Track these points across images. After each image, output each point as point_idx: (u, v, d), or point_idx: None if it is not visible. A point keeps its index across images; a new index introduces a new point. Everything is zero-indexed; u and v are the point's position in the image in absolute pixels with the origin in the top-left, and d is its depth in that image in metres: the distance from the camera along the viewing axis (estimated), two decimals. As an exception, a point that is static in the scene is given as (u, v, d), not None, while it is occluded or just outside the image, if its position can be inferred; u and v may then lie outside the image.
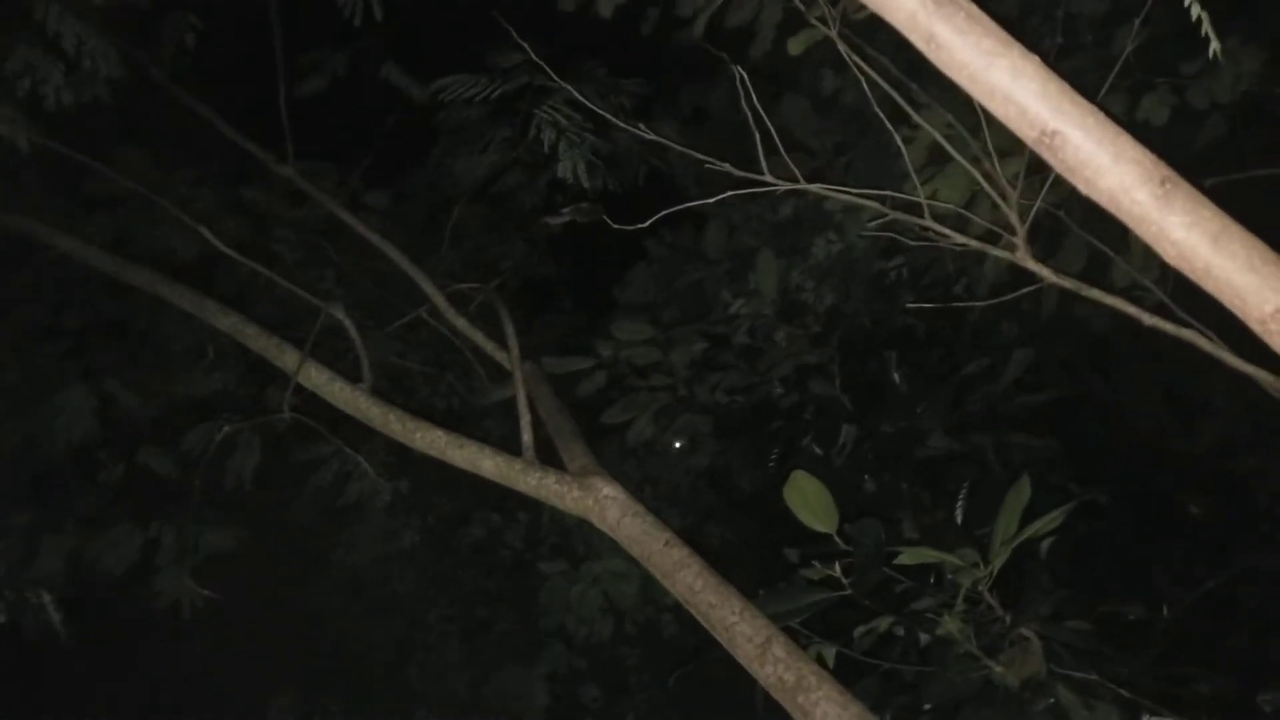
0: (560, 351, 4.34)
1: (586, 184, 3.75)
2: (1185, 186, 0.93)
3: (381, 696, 5.32)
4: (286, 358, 2.79)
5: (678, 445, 4.37)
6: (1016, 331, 3.81)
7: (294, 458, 4.32)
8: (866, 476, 3.84)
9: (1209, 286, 0.92)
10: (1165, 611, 2.95)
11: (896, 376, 3.84)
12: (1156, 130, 2.91)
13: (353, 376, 2.76)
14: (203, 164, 4.09)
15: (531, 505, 5.08)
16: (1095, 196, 0.95)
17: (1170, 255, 0.93)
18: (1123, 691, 2.33)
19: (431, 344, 4.46)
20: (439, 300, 3.44)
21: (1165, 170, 0.93)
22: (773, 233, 4.31)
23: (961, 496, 3.30)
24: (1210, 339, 2.03)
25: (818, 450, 3.92)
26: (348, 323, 2.84)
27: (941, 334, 4.04)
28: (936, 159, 3.09)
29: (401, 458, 4.44)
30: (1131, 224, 0.94)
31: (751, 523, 4.40)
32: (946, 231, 2.33)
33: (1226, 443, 3.60)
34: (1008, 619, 2.38)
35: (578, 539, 5.06)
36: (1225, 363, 2.02)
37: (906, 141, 2.71)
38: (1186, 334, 2.03)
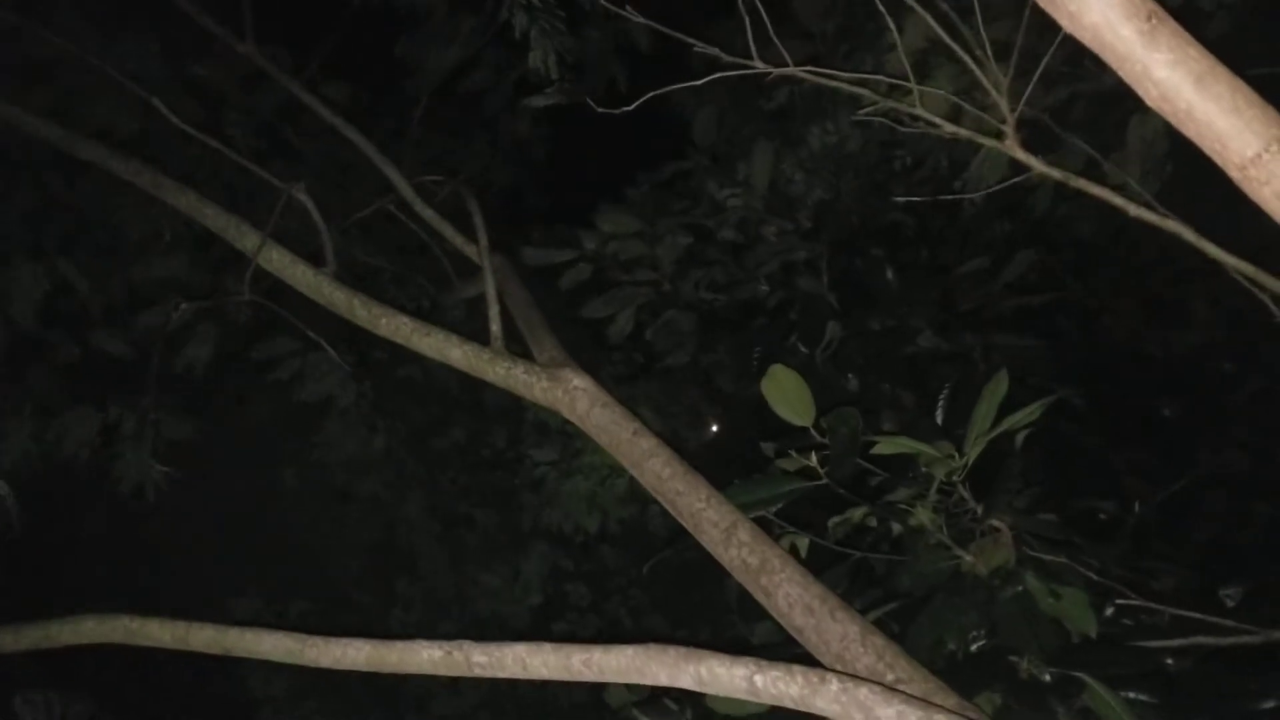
0: (541, 244, 4.26)
1: (555, 75, 3.61)
2: (1172, 24, 0.87)
3: (355, 598, 5.31)
4: (247, 239, 2.69)
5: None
6: (1008, 229, 3.76)
7: (255, 349, 4.25)
8: (850, 375, 3.83)
9: (1190, 131, 0.87)
10: (1135, 508, 2.98)
11: (889, 273, 3.80)
12: None
13: (316, 265, 2.67)
14: (151, 36, 3.90)
15: (510, 409, 5.06)
16: (1079, 34, 0.89)
17: (1152, 96, 0.87)
18: (1091, 574, 2.35)
19: (398, 241, 4.37)
20: (406, 190, 3.33)
21: (1152, 5, 0.87)
22: (765, 122, 4.19)
23: (943, 395, 3.30)
24: (1195, 231, 2.01)
25: (803, 349, 3.89)
26: (310, 205, 2.74)
27: (932, 232, 3.99)
28: (936, 50, 3.01)
29: (367, 356, 4.39)
30: (1114, 63, 0.88)
31: (732, 421, 4.40)
32: (937, 120, 2.27)
33: (1202, 349, 3.60)
34: (979, 510, 2.39)
35: (559, 442, 5.04)
36: (1206, 253, 2.00)
37: (901, 32, 2.62)
38: (1171, 224, 2.02)
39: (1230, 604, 2.60)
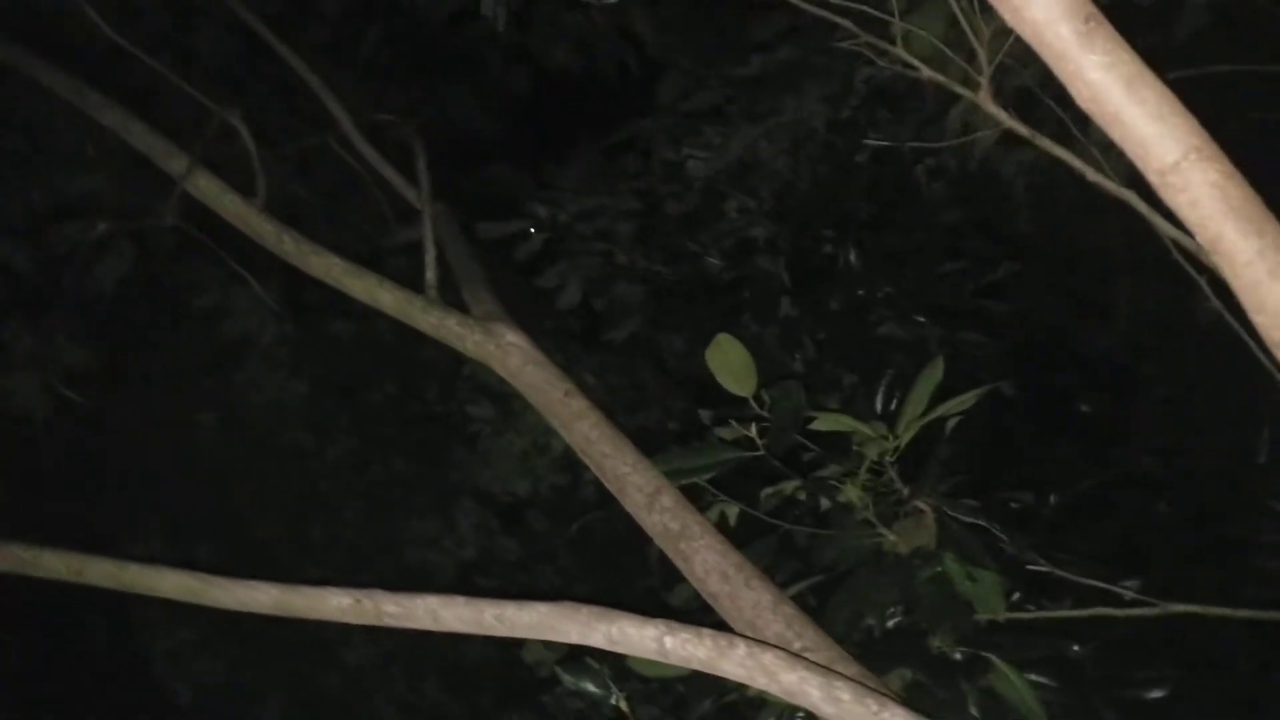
0: (487, 207, 4.20)
1: (501, 26, 3.52)
2: (1108, 27, 0.89)
3: (269, 548, 5.16)
4: (174, 162, 2.59)
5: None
6: (958, 218, 3.81)
7: (174, 273, 4.11)
8: (797, 355, 3.87)
9: (1116, 134, 0.89)
10: (1051, 501, 3.08)
11: (853, 255, 3.83)
12: (1141, 11, 2.86)
13: (246, 196, 2.59)
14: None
15: (448, 364, 4.99)
16: (1020, 28, 0.91)
17: (1084, 96, 0.89)
18: (1005, 549, 2.43)
19: (338, 178, 4.25)
20: (347, 125, 3.25)
21: (1090, 8, 0.89)
22: (735, 90, 4.15)
23: (885, 379, 3.35)
24: (1145, 203, 2.06)
25: (753, 326, 3.92)
26: (244, 131, 2.66)
27: (890, 219, 4.02)
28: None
29: (298, 297, 4.28)
30: (1051, 60, 0.90)
31: (679, 395, 4.42)
32: (916, 63, 2.28)
33: (1124, 349, 3.72)
34: (906, 491, 2.44)
35: (495, 398, 5.00)
36: (1157, 228, 2.06)
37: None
38: (1125, 194, 2.07)
39: (1127, 596, 2.71)
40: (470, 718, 5.13)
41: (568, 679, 2.43)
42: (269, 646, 5.05)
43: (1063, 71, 0.90)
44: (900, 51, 2.30)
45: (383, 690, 5.24)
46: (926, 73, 2.30)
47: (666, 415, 4.55)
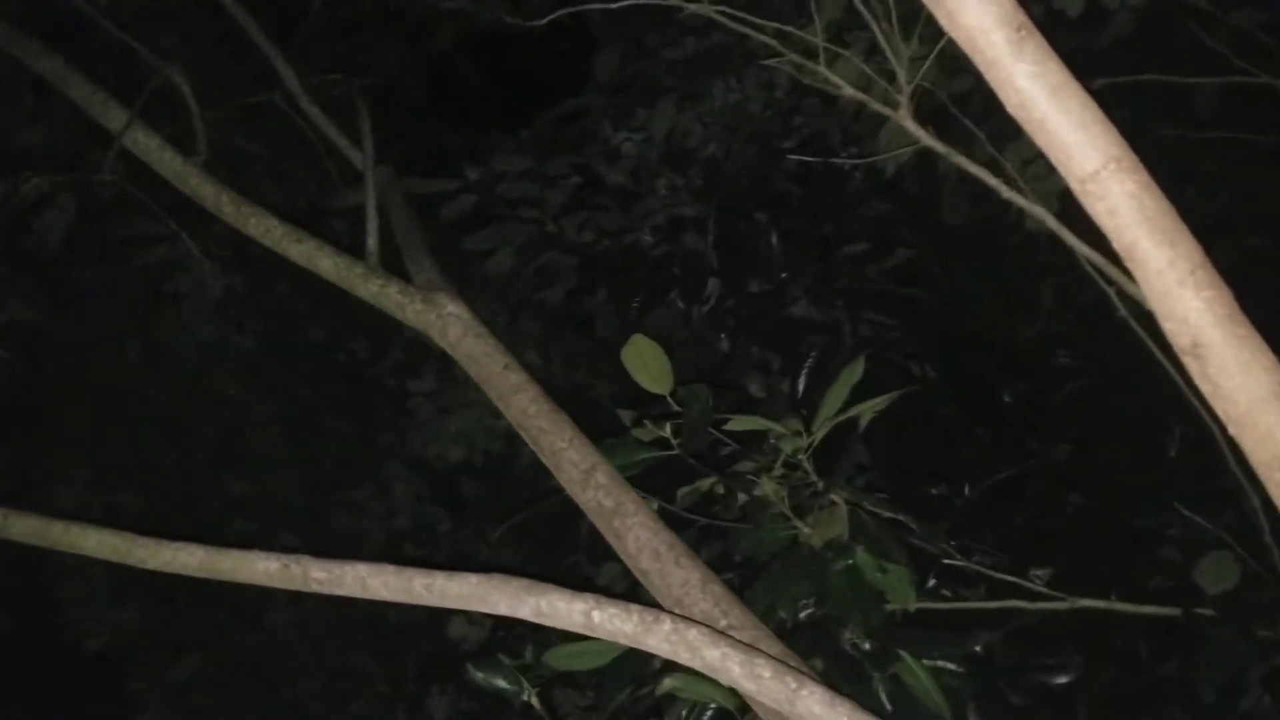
0: (426, 172, 4.16)
1: None
2: (1038, 37, 0.92)
3: (196, 502, 5.05)
4: (112, 117, 2.53)
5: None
6: (885, 210, 3.89)
7: (115, 233, 4.02)
8: (723, 336, 3.90)
9: (1042, 141, 0.93)
10: (966, 491, 3.17)
11: (774, 238, 3.87)
12: (1067, 21, 2.95)
13: (187, 153, 2.54)
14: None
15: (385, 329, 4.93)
16: (954, 33, 0.94)
17: (1012, 103, 0.93)
18: (916, 542, 2.50)
19: (280, 136, 4.17)
20: (292, 82, 3.19)
21: (1022, 17, 0.92)
22: (669, 69, 4.17)
23: (807, 365, 3.41)
24: (1055, 220, 2.14)
25: (681, 305, 3.94)
26: (186, 88, 2.60)
27: (816, 204, 4.08)
28: (850, 21, 3.03)
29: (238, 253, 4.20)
30: (983, 66, 0.93)
31: (604, 367, 4.42)
32: (838, 80, 2.32)
33: (1045, 340, 3.84)
34: (820, 485, 2.49)
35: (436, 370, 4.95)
36: (1065, 241, 2.14)
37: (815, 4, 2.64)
38: (1037, 210, 2.15)
39: (1038, 584, 2.82)
40: (394, 688, 5.11)
41: (479, 676, 2.44)
42: (188, 599, 4.96)
43: (994, 78, 0.93)
44: (824, 70, 2.34)
45: (303, 652, 5.19)
46: (849, 92, 2.35)
47: (596, 390, 4.56)
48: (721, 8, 2.42)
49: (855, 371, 2.43)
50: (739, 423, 2.49)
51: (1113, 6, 3.14)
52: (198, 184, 2.49)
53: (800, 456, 2.45)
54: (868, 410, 2.45)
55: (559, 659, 2.29)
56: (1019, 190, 2.19)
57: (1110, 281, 2.22)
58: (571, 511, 2.27)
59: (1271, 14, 3.34)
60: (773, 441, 2.54)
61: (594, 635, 1.70)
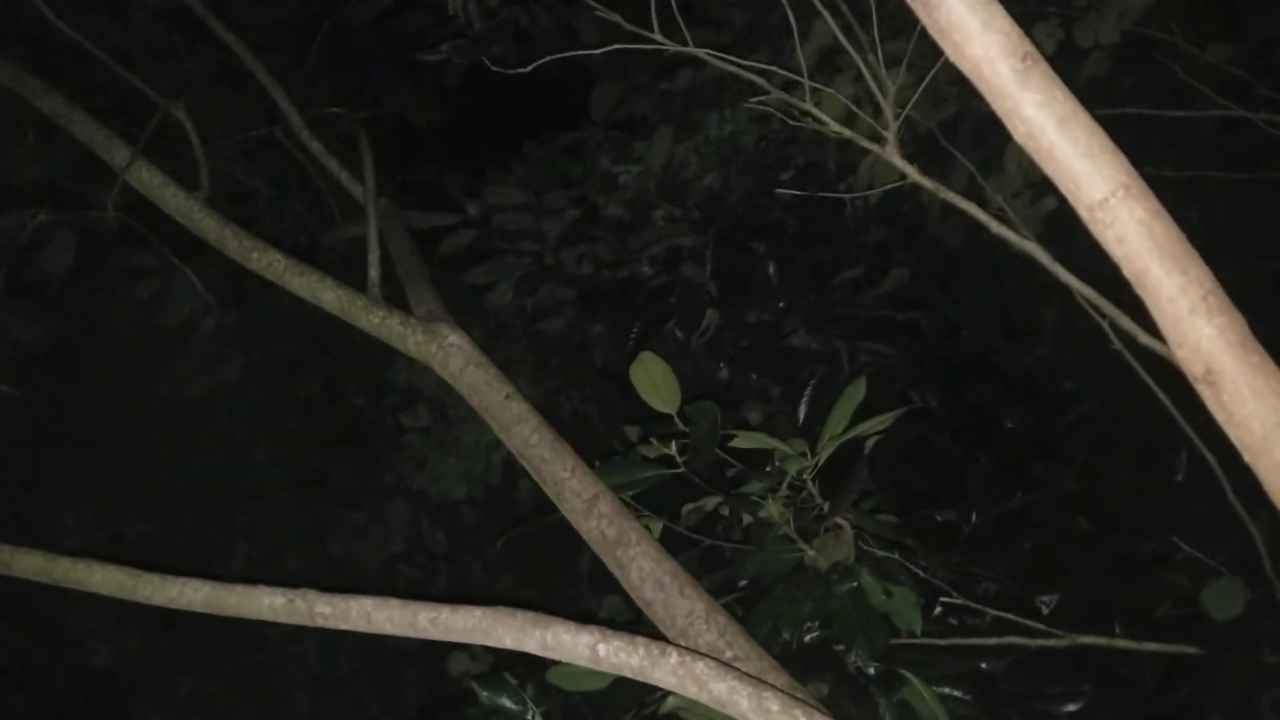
0: (425, 206, 4.19)
1: (478, 24, 3.53)
2: (1044, 66, 0.93)
3: (199, 532, 5.08)
4: (115, 153, 2.54)
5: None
6: (883, 236, 3.90)
7: (115, 258, 4.03)
8: (721, 364, 3.91)
9: (1050, 170, 0.93)
10: (973, 518, 3.16)
11: (771, 268, 3.88)
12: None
13: (190, 188, 2.55)
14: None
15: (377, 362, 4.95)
16: (960, 64, 0.94)
17: (1020, 132, 0.93)
18: (920, 572, 2.49)
19: (281, 170, 4.20)
20: (294, 117, 3.21)
21: (1028, 47, 0.92)
22: (664, 103, 4.22)
23: (807, 393, 3.41)
24: (1047, 254, 2.15)
25: (679, 334, 3.95)
26: (188, 124, 2.61)
27: (813, 233, 4.10)
28: (836, 55, 3.08)
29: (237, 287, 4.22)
30: (990, 96, 0.93)
31: (603, 396, 4.43)
32: (823, 117, 2.34)
33: (1047, 365, 3.83)
34: (825, 507, 2.48)
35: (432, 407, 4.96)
36: (1059, 278, 2.14)
37: (805, 37, 2.67)
38: (1027, 246, 2.15)
39: (1045, 611, 2.80)
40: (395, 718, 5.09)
41: (484, 695, 2.41)
42: (190, 621, 4.95)
43: (1000, 108, 0.93)
44: (813, 109, 2.36)
45: (302, 673, 5.18)
46: (835, 127, 2.37)
47: (594, 416, 4.57)
48: (706, 50, 2.43)
49: (858, 390, 2.43)
50: (745, 439, 2.49)
51: (1086, 45, 3.18)
52: (201, 219, 2.50)
53: (805, 477, 2.45)
54: (871, 429, 2.44)
55: (562, 678, 2.27)
56: (1008, 223, 2.20)
57: (1104, 315, 2.22)
58: (573, 542, 2.26)
59: (1245, 48, 3.38)
60: (777, 464, 2.53)
61: (600, 669, 1.68)
